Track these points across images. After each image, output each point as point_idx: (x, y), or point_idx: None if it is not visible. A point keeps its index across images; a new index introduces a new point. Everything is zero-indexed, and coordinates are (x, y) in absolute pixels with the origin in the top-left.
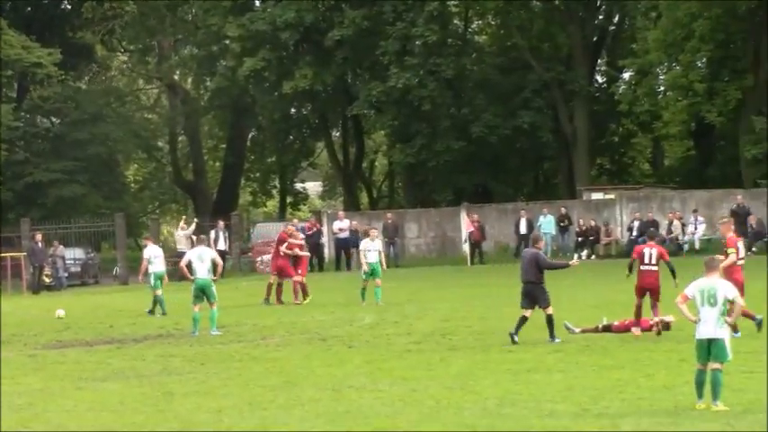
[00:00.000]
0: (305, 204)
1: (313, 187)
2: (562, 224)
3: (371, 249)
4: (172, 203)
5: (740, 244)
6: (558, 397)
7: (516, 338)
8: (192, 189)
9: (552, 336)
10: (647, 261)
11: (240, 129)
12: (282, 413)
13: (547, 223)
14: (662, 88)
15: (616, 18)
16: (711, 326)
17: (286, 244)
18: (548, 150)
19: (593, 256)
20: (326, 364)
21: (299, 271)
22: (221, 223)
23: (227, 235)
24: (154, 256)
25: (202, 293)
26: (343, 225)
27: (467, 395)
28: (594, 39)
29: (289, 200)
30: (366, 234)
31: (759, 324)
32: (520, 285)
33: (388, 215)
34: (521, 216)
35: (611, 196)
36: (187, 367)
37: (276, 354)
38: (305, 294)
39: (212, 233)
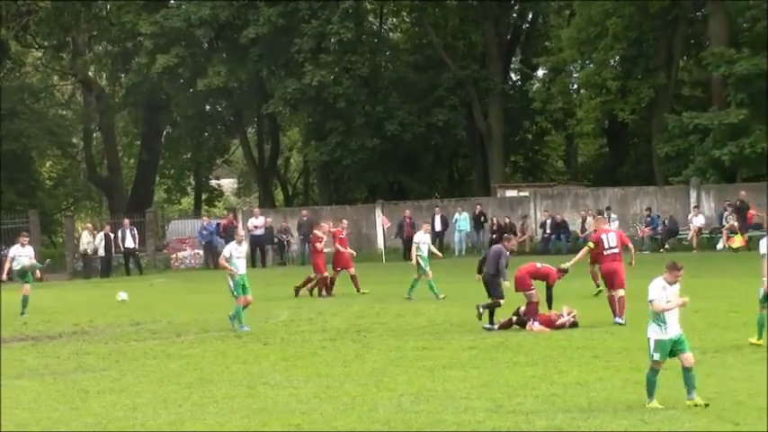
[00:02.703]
0: (220, 201)
1: (228, 184)
2: (480, 221)
3: (425, 242)
4: (86, 200)
5: (605, 236)
6: (473, 393)
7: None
8: (106, 186)
9: (491, 323)
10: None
11: (155, 126)
12: (197, 410)
13: (462, 220)
14: (575, 86)
15: (530, 16)
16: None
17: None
18: (462, 148)
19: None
20: (241, 361)
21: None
22: (127, 221)
23: (134, 233)
24: (28, 255)
25: (243, 288)
26: (258, 222)
27: (382, 392)
28: (509, 37)
29: (204, 197)
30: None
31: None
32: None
33: (304, 212)
34: (435, 213)
35: (525, 193)
36: (102, 364)
37: (191, 351)
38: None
39: (119, 232)
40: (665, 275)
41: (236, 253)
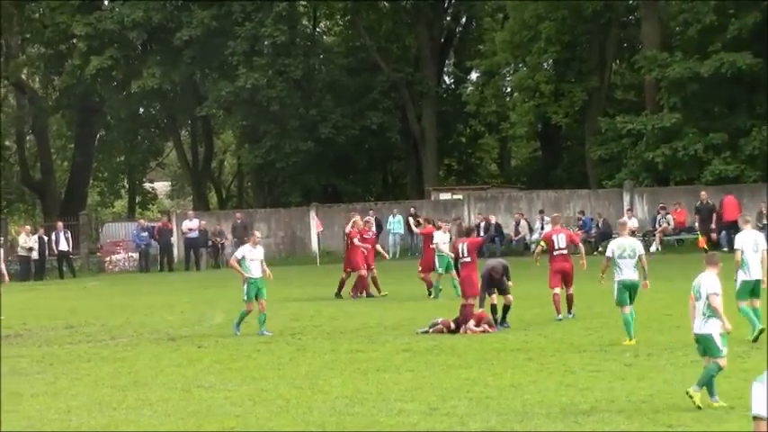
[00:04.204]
0: (153, 204)
1: (162, 187)
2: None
3: (446, 242)
4: (20, 203)
5: (555, 237)
6: (407, 396)
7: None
8: (40, 189)
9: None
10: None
11: (89, 128)
12: (132, 413)
13: (396, 223)
14: (509, 89)
15: (463, 19)
16: (698, 321)
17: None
18: (396, 151)
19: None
20: (176, 363)
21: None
22: (60, 224)
23: (68, 236)
24: None
25: (258, 292)
26: (192, 225)
27: (316, 394)
28: (442, 40)
29: (137, 200)
30: (438, 227)
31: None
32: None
33: (238, 215)
34: (369, 216)
35: (459, 196)
36: (36, 368)
37: (125, 354)
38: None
39: (53, 235)
40: (716, 269)
41: (249, 255)
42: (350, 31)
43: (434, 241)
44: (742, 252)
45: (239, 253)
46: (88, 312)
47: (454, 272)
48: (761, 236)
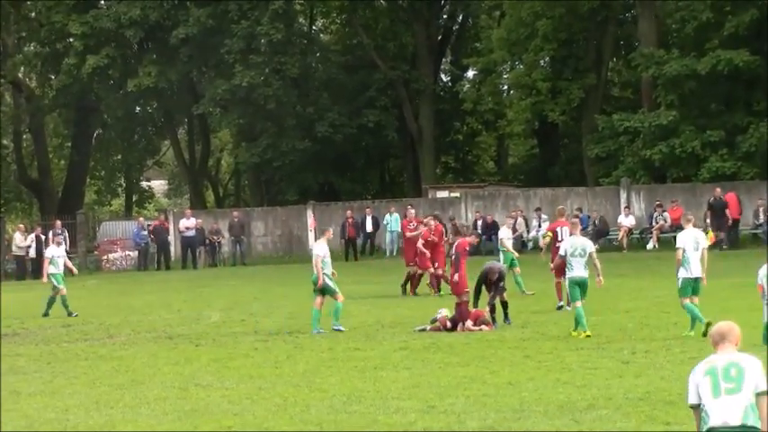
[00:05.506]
0: (150, 203)
1: (159, 186)
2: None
3: (509, 237)
4: (17, 202)
5: (559, 229)
6: (405, 394)
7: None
8: (37, 187)
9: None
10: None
11: (85, 127)
12: (129, 412)
13: (393, 221)
14: (506, 87)
15: (460, 17)
16: None
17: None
18: (393, 149)
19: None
20: (173, 362)
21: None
22: (58, 223)
23: (65, 235)
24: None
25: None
26: (189, 223)
27: (313, 393)
28: (439, 38)
29: (134, 198)
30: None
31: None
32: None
33: (235, 213)
34: (366, 214)
35: (457, 194)
36: (33, 366)
37: (123, 352)
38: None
39: (50, 233)
40: None
41: (327, 252)
42: (346, 29)
43: (499, 237)
44: (684, 251)
45: (324, 251)
46: (85, 311)
47: (518, 268)
48: (702, 235)
